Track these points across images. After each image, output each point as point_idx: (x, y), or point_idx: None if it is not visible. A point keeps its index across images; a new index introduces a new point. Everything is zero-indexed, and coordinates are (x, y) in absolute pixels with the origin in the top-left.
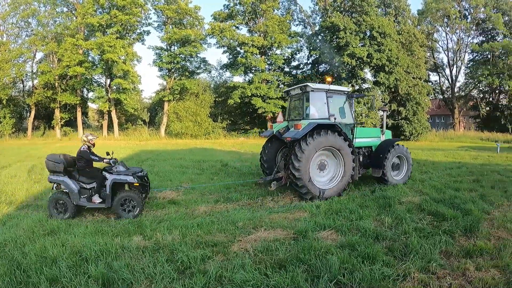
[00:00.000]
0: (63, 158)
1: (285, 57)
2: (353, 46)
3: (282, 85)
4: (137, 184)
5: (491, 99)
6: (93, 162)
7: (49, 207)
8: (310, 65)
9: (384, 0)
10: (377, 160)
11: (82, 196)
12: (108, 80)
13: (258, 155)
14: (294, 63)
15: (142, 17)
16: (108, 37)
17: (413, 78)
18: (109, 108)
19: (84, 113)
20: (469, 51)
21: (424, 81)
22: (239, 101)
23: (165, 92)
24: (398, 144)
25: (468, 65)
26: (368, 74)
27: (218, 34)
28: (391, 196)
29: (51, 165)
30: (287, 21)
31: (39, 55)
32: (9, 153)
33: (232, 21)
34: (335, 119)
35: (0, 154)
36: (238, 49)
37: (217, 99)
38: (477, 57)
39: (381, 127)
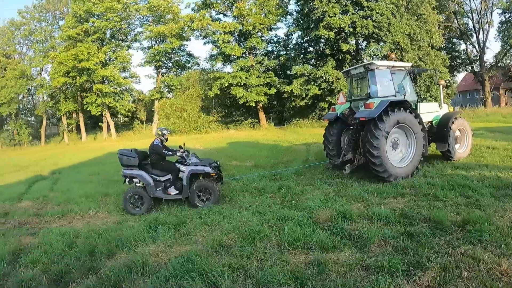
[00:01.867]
0: (136, 151)
1: (272, 39)
2: (330, 16)
3: (268, 70)
4: (214, 174)
5: None
6: (166, 156)
7: (125, 203)
8: (296, 46)
9: None
10: (441, 134)
11: (157, 189)
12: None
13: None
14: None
15: (131, 19)
16: (83, 47)
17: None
18: (101, 112)
19: (113, 114)
20: (499, 11)
21: (439, 49)
22: (219, 93)
23: (153, 91)
24: (459, 117)
25: (501, 29)
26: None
27: (189, 26)
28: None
29: (125, 160)
30: None
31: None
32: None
33: (209, 9)
34: (405, 95)
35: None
36: (212, 38)
37: (207, 92)
38: (510, 17)
39: (439, 101)
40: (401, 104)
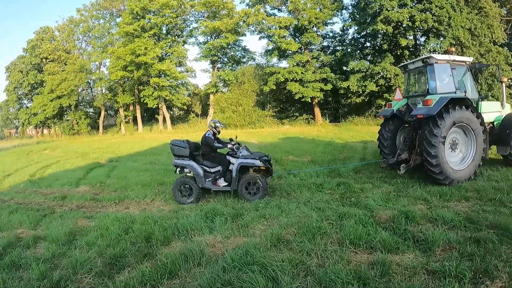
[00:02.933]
0: (188, 142)
1: (327, 34)
2: (387, 9)
3: (324, 66)
4: (264, 168)
5: None
6: (217, 148)
7: (174, 191)
8: (353, 41)
9: None
10: (503, 137)
11: (207, 180)
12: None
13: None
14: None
15: (186, 15)
16: (140, 42)
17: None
18: (157, 104)
19: (169, 107)
20: None
21: (501, 45)
22: (274, 88)
23: (209, 85)
24: None
25: None
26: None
27: (244, 21)
28: None
29: (176, 150)
30: None
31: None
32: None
33: (264, 4)
34: (465, 92)
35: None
36: (267, 33)
37: (262, 87)
38: None
39: (501, 100)
40: (462, 102)
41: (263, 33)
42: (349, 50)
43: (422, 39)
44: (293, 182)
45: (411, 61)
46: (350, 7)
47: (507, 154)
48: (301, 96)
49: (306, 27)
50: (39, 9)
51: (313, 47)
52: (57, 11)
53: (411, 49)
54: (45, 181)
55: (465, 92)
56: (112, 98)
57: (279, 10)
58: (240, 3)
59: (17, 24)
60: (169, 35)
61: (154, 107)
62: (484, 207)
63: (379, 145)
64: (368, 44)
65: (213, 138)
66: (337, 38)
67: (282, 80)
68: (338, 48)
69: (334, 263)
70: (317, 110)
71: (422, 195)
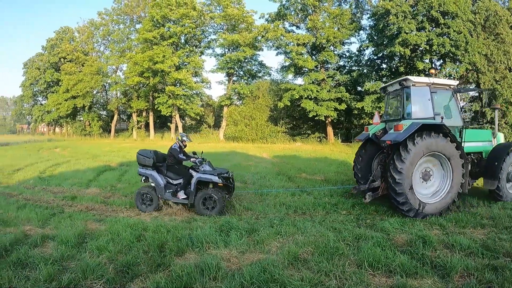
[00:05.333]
0: (153, 153)
1: (344, 54)
2: (406, 32)
3: (340, 85)
4: (221, 185)
5: None
6: (181, 160)
7: (136, 200)
8: (369, 61)
9: None
10: (491, 169)
11: (167, 191)
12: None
13: (267, 163)
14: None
15: (205, 27)
16: (158, 49)
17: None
18: (171, 112)
19: (182, 116)
20: None
21: None
22: (289, 104)
23: (223, 97)
24: None
25: None
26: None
27: (263, 36)
28: None
29: (141, 159)
30: (352, 11)
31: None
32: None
33: (283, 21)
34: (442, 118)
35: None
36: (284, 49)
37: (276, 102)
38: None
39: (492, 129)
40: (438, 129)
41: (280, 49)
42: (365, 71)
43: (438, 63)
44: (307, 200)
45: (390, 83)
46: (367, 28)
47: (495, 189)
48: (315, 114)
49: (324, 45)
50: (59, 9)
51: (330, 65)
52: (78, 13)
53: (426, 73)
54: (55, 179)
55: (443, 118)
56: (126, 102)
57: (298, 27)
58: (259, 18)
59: (37, 22)
60: (187, 45)
61: (167, 115)
62: (500, 235)
63: (354, 172)
64: (384, 65)
65: (178, 150)
66: (353, 58)
67: (296, 97)
68: (354, 68)
69: (354, 285)
70: (329, 129)
71: (438, 220)
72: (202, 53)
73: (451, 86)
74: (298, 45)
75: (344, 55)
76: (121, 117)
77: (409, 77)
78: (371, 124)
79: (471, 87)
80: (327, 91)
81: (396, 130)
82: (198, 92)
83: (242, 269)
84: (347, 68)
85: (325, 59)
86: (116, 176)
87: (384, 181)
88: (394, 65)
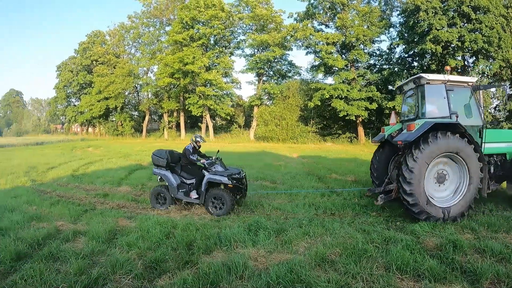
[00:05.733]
0: (168, 154)
1: (374, 52)
2: (437, 28)
3: (370, 84)
4: (231, 186)
5: None
6: (192, 161)
7: (151, 196)
8: (400, 60)
9: None
10: None
11: (180, 190)
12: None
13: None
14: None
15: (234, 27)
16: (188, 51)
17: None
18: (201, 113)
19: (213, 116)
20: None
21: None
22: (319, 104)
23: (253, 97)
24: None
25: None
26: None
27: (292, 35)
28: None
29: (155, 159)
30: (381, 8)
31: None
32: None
33: (312, 20)
34: (457, 117)
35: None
36: (314, 48)
37: (307, 102)
38: None
39: None
40: (451, 128)
41: (310, 48)
42: (396, 69)
43: (471, 60)
44: (336, 201)
45: (405, 81)
46: (398, 25)
47: None
48: (345, 114)
49: (353, 44)
50: (90, 14)
51: (360, 64)
52: (109, 17)
53: (459, 70)
54: (88, 177)
55: (457, 117)
56: (157, 103)
57: (327, 26)
58: (288, 17)
59: (68, 27)
60: (216, 46)
61: (198, 115)
62: None
63: (371, 173)
64: (415, 63)
65: (191, 150)
66: (384, 57)
67: (327, 97)
68: (385, 66)
69: None
70: (360, 129)
71: (470, 224)
72: (232, 53)
73: (470, 84)
74: (327, 44)
75: (374, 54)
76: (152, 118)
77: (422, 74)
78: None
79: (489, 84)
80: (358, 91)
81: (408, 130)
82: (228, 93)
83: (269, 269)
84: (378, 66)
85: (355, 57)
86: (147, 175)
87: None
88: (426, 63)
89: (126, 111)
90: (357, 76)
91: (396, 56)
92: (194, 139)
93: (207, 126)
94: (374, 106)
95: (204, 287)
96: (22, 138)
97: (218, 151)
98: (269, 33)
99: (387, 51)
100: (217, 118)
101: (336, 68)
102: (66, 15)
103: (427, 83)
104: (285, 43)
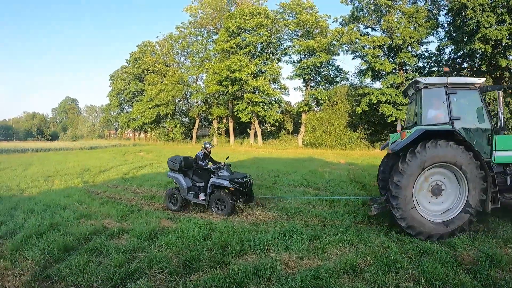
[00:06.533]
0: (182, 159)
1: (423, 54)
2: (485, 26)
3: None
4: (232, 189)
5: None
6: (200, 166)
7: (166, 197)
8: (449, 61)
9: None
10: None
11: (190, 192)
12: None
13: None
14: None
15: (280, 34)
16: (235, 59)
17: None
18: (250, 119)
19: (261, 123)
20: None
21: None
22: (367, 109)
23: (301, 103)
24: None
25: None
26: None
27: (337, 40)
28: None
29: (170, 164)
30: (427, 8)
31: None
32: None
33: (357, 23)
34: (453, 123)
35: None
36: (360, 52)
37: (355, 107)
38: None
39: None
40: (446, 136)
41: (356, 53)
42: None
43: None
44: None
45: (408, 85)
46: (445, 25)
47: None
48: (394, 119)
49: (400, 46)
50: (139, 25)
51: (408, 67)
52: (157, 28)
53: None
54: (137, 180)
55: (453, 124)
56: (207, 110)
57: (373, 29)
58: (333, 22)
59: (119, 38)
60: (263, 53)
61: (246, 121)
62: None
63: (378, 182)
64: (465, 65)
65: (201, 157)
66: (433, 58)
67: (375, 102)
68: (434, 69)
69: None
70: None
71: None
72: (279, 60)
73: (476, 85)
74: (374, 47)
75: (423, 56)
76: (202, 124)
77: (419, 78)
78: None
79: (496, 85)
80: None
81: (401, 138)
82: (276, 99)
83: (296, 274)
84: (427, 69)
85: (402, 60)
86: None
87: None
88: (476, 64)
89: (176, 118)
90: (406, 80)
91: (445, 57)
92: (203, 146)
93: (255, 132)
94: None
95: (231, 286)
96: (77, 142)
97: (228, 157)
98: (314, 38)
99: (436, 52)
100: (266, 124)
101: (384, 72)
102: (116, 27)
103: (425, 87)
104: (331, 48)
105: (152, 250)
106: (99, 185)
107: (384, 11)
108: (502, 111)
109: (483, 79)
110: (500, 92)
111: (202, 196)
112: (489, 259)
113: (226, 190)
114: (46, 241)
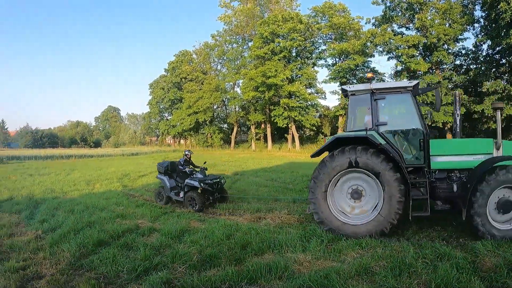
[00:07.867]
0: (169, 164)
1: (460, 51)
2: None
3: (457, 87)
4: (200, 189)
5: None
6: (180, 170)
7: (155, 195)
8: (487, 57)
9: None
10: (461, 193)
11: (172, 191)
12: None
13: None
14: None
15: (314, 38)
16: (270, 64)
17: None
18: (287, 124)
19: (299, 127)
20: None
21: None
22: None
23: (338, 107)
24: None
25: None
26: None
27: (371, 41)
28: None
29: (158, 168)
30: (462, 2)
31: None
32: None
33: (390, 23)
34: (367, 130)
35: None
36: (395, 53)
37: None
38: None
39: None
40: (359, 142)
41: (391, 53)
42: (483, 68)
43: None
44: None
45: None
46: (482, 20)
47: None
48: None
49: (436, 44)
50: (175, 36)
51: (445, 66)
52: (193, 37)
53: None
54: None
55: (366, 130)
56: (245, 116)
57: (407, 28)
58: (366, 23)
59: (156, 49)
60: (298, 58)
61: (283, 126)
62: None
63: None
64: (503, 60)
65: (182, 162)
66: (470, 56)
67: None
68: (471, 66)
69: None
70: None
71: None
72: (314, 64)
73: (408, 88)
74: (408, 47)
75: (460, 53)
76: (241, 129)
77: (345, 86)
78: None
79: (428, 87)
80: (444, 95)
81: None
82: (313, 103)
83: (306, 274)
84: (465, 67)
85: (438, 59)
86: (228, 184)
87: None
88: None
89: (215, 124)
90: (442, 79)
91: (483, 54)
92: (184, 153)
93: (293, 137)
94: (462, 110)
95: (243, 281)
96: (119, 149)
97: (205, 162)
98: (348, 41)
99: (473, 49)
100: (305, 129)
101: (420, 72)
102: (152, 38)
103: (351, 94)
104: (366, 50)
105: (177, 247)
106: (137, 189)
107: (417, 9)
108: (458, 112)
109: (415, 82)
110: (457, 92)
111: (181, 194)
112: (508, 266)
113: (199, 190)
114: (82, 236)
